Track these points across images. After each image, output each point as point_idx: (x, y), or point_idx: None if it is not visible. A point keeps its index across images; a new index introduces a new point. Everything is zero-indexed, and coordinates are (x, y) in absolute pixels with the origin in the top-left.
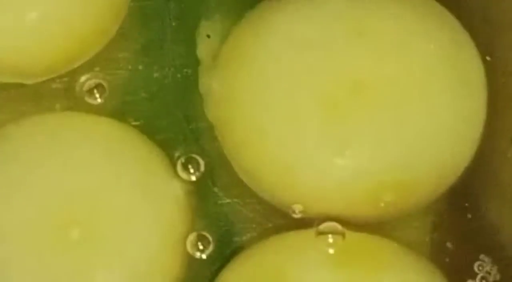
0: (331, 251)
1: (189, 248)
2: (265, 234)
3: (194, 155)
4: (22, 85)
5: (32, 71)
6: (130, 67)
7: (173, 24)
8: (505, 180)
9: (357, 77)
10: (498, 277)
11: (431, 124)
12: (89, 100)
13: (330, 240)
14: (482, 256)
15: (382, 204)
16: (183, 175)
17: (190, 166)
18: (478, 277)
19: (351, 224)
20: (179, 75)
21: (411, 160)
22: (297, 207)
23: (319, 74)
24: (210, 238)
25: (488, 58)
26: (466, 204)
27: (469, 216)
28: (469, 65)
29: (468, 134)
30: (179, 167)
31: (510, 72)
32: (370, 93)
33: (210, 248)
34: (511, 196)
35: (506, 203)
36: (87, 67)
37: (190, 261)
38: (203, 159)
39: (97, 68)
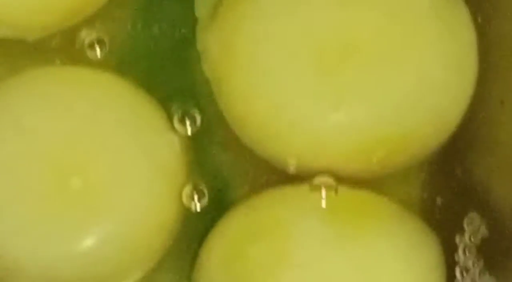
0: (324, 204)
1: (184, 200)
2: (259, 188)
3: (190, 109)
4: (22, 40)
5: (32, 26)
6: (129, 24)
7: None
8: (494, 139)
9: (350, 35)
10: (486, 233)
11: (423, 80)
12: (89, 55)
13: (323, 194)
14: (471, 213)
15: (375, 159)
16: (179, 128)
17: (186, 120)
18: (467, 233)
19: (344, 179)
20: (177, 33)
21: (403, 115)
22: (292, 162)
23: (313, 32)
24: (206, 191)
25: (479, 19)
26: (456, 162)
27: (459, 173)
28: (460, 24)
29: (460, 90)
30: (175, 121)
31: (501, 34)
32: (362, 50)
33: (205, 200)
34: (500, 155)
35: (496, 161)
36: (87, 23)
37: (185, 213)
38: (199, 114)
39: (97, 24)
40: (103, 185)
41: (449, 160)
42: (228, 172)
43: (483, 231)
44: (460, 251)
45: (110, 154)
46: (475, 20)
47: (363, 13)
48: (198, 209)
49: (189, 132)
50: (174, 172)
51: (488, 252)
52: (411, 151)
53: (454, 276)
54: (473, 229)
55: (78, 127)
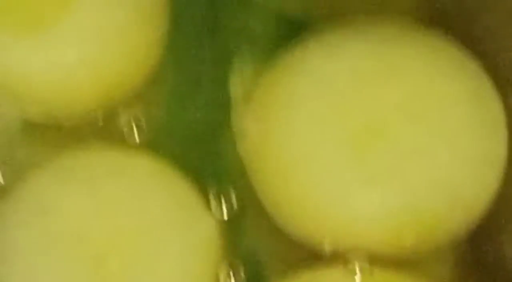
0: None
1: None
2: (295, 269)
3: (226, 192)
4: (59, 126)
5: (68, 113)
6: (165, 106)
7: (207, 65)
8: None
9: (384, 118)
10: None
11: (454, 165)
12: (126, 138)
13: (359, 276)
14: None
15: (408, 240)
16: (215, 211)
17: (222, 203)
18: None
19: (378, 259)
20: (212, 115)
21: (436, 197)
22: (326, 243)
23: (348, 114)
24: (242, 273)
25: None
26: (488, 241)
27: (490, 253)
28: (491, 107)
29: (490, 176)
30: (212, 204)
31: None
32: (396, 133)
33: None
34: None
35: None
36: (124, 106)
37: None
38: (235, 196)
39: (133, 107)
40: (140, 267)
41: (480, 239)
42: (264, 253)
43: None
44: None
45: (147, 236)
46: (506, 101)
47: (396, 98)
48: None
49: (225, 214)
50: (210, 254)
51: None
52: (443, 232)
53: None
54: None
55: (115, 209)
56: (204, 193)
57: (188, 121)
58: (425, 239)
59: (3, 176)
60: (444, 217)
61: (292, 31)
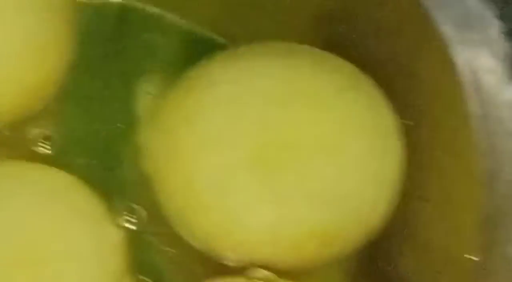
0: None
1: None
2: (196, 280)
3: (130, 205)
4: None
5: None
6: (72, 119)
7: (113, 81)
8: (416, 235)
9: (287, 135)
10: None
11: (352, 183)
12: (33, 150)
13: None
14: None
15: (308, 254)
16: (119, 223)
17: (126, 215)
18: None
19: (279, 271)
20: (118, 129)
21: (335, 213)
22: (229, 255)
23: (251, 132)
24: None
25: (411, 123)
26: (383, 253)
27: (385, 265)
28: (388, 130)
29: (385, 194)
30: (116, 216)
31: (427, 136)
32: (298, 150)
33: None
34: (422, 251)
35: (418, 257)
36: (31, 118)
37: None
38: (139, 208)
39: (41, 120)
40: (44, 278)
41: (376, 250)
42: (168, 266)
43: None
44: None
45: (51, 249)
46: (405, 123)
47: (299, 118)
48: None
49: (129, 227)
50: (114, 267)
51: None
52: (342, 244)
53: None
54: None
55: (19, 222)
56: (109, 206)
57: (95, 134)
58: (324, 251)
59: None
60: (342, 231)
61: (201, 51)
